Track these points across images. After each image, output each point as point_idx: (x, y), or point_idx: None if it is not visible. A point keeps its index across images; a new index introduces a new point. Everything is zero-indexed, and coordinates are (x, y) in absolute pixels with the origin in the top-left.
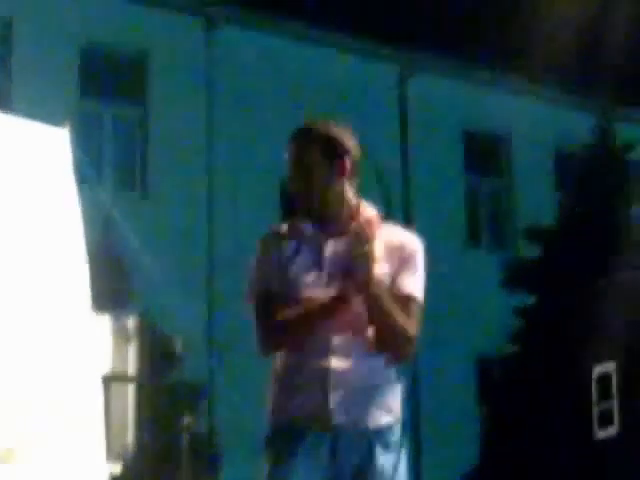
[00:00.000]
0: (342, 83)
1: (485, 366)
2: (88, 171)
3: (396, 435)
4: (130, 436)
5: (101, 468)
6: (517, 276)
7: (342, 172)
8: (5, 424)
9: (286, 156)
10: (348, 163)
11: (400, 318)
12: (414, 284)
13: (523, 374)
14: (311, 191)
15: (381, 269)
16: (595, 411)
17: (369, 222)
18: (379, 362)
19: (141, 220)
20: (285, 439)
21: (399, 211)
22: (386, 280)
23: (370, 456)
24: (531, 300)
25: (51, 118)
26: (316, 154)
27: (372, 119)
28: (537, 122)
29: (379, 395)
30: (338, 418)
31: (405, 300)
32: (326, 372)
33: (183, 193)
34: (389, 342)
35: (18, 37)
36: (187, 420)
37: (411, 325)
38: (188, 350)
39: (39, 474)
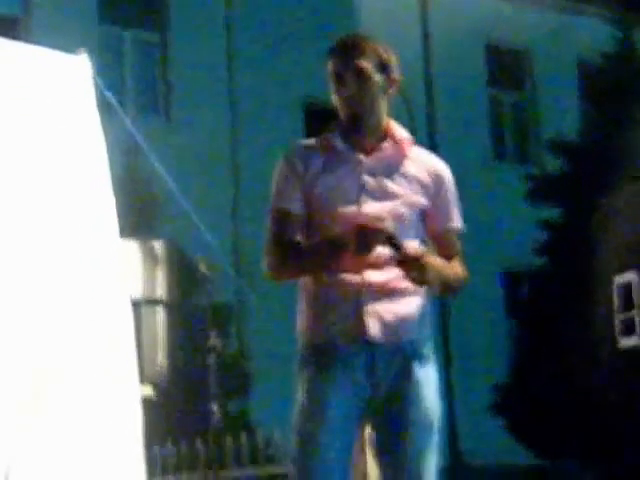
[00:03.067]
0: (362, 1)
1: (512, 280)
2: (110, 97)
3: (429, 348)
4: (160, 358)
5: (133, 390)
6: (542, 189)
7: (390, 87)
8: (35, 349)
9: (330, 66)
10: (395, 80)
11: (456, 269)
12: (458, 217)
13: (550, 287)
14: (363, 97)
15: (412, 197)
16: (617, 320)
17: (401, 142)
18: None
19: (165, 144)
20: (320, 356)
21: (423, 126)
22: (423, 206)
23: (407, 369)
24: (556, 213)
25: (71, 46)
26: (369, 64)
27: (394, 36)
28: (559, 34)
29: (413, 309)
30: (373, 332)
31: (454, 235)
32: (360, 287)
33: (206, 117)
34: (446, 292)
35: None
36: (215, 341)
37: (461, 264)
38: (216, 272)
39: (71, 397)
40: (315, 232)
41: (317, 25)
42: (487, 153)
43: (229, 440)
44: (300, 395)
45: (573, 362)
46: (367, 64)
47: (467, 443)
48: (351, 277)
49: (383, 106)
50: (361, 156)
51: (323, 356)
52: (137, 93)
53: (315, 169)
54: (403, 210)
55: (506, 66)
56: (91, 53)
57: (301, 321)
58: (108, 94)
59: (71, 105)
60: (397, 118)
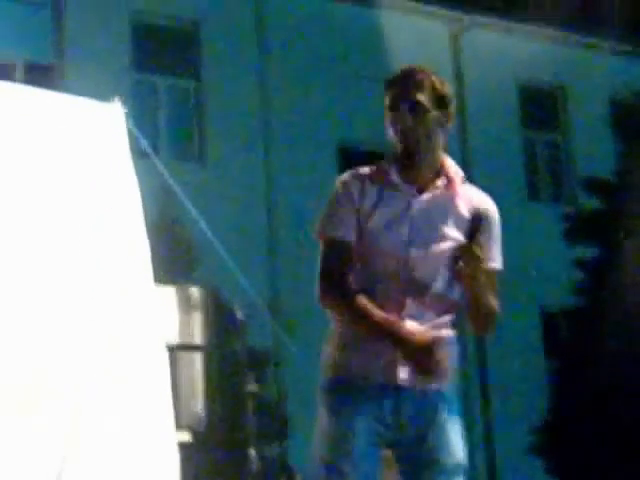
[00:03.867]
0: (394, 42)
1: (550, 319)
2: (145, 144)
3: (455, 397)
4: (198, 405)
5: (170, 437)
6: (578, 228)
7: (446, 122)
8: (70, 398)
9: (387, 99)
10: (451, 115)
11: (490, 298)
12: (499, 257)
13: (588, 326)
14: (419, 131)
15: (461, 239)
16: None
17: (453, 180)
18: (446, 324)
19: (200, 189)
20: (349, 389)
21: (458, 166)
22: (464, 242)
23: (434, 415)
24: (592, 251)
25: (105, 93)
26: (426, 97)
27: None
28: (592, 73)
29: (443, 356)
30: (403, 378)
31: (493, 274)
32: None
33: (240, 161)
34: (479, 321)
35: (69, 12)
36: (253, 386)
37: (497, 301)
38: (253, 317)
39: (107, 446)
40: (361, 265)
41: (351, 67)
42: (522, 193)
43: None
44: (324, 424)
45: (613, 402)
46: (423, 97)
47: None
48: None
49: (439, 141)
50: (415, 192)
51: (352, 389)
52: (171, 140)
53: (370, 201)
54: (449, 250)
55: (539, 106)
56: (125, 100)
57: (331, 352)
58: (144, 141)
59: (105, 153)
60: None
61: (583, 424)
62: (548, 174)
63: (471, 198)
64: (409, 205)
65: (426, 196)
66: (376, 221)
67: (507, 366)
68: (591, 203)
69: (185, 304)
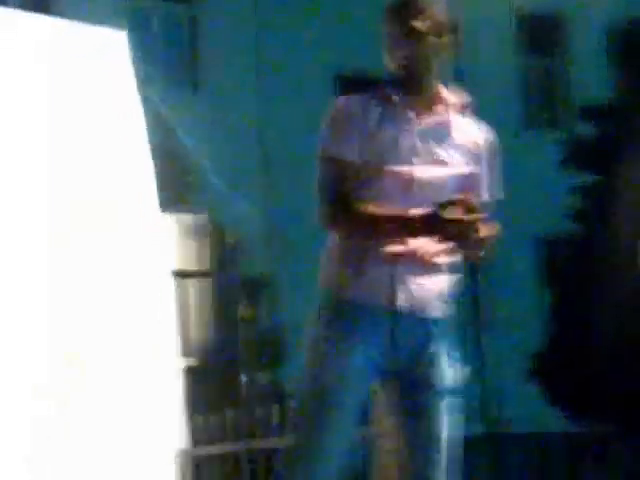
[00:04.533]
0: None
1: (546, 247)
2: (142, 70)
3: (449, 322)
4: (192, 332)
5: (173, 363)
6: (573, 155)
7: (445, 50)
8: (71, 326)
9: (388, 26)
10: (450, 43)
11: (491, 234)
12: (500, 186)
13: (583, 253)
14: (417, 58)
15: (462, 167)
16: None
17: (453, 107)
18: (447, 250)
19: (193, 116)
20: (347, 311)
21: None
22: (466, 174)
23: (427, 342)
24: (588, 178)
25: (100, 19)
26: (425, 25)
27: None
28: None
29: (444, 287)
30: (401, 304)
31: (494, 204)
32: (397, 257)
33: (234, 87)
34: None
35: None
36: (245, 311)
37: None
38: (247, 243)
39: (110, 369)
40: (364, 184)
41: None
42: (517, 120)
43: (259, 411)
44: (318, 342)
45: (611, 326)
46: (421, 24)
47: (504, 411)
48: (394, 243)
49: (437, 69)
50: (414, 115)
51: (352, 311)
52: (165, 65)
53: (373, 120)
54: (451, 178)
55: (535, 32)
56: (120, 26)
57: (331, 273)
58: (145, 68)
59: (112, 78)
60: None
61: (580, 350)
62: (544, 101)
63: (472, 128)
64: (409, 127)
65: (426, 120)
66: (381, 140)
67: (506, 294)
68: (587, 129)
69: (180, 231)
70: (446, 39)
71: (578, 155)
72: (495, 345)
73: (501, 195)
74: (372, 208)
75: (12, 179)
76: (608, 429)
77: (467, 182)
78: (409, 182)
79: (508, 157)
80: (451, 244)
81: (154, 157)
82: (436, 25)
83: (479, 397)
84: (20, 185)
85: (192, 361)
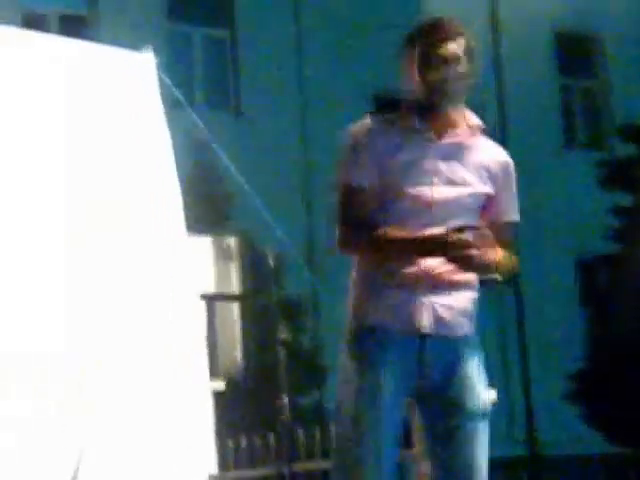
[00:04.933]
0: None
1: (587, 266)
2: (178, 94)
3: (476, 341)
4: (235, 353)
5: (204, 384)
6: (613, 175)
7: (472, 75)
8: (105, 344)
9: (419, 48)
10: (477, 70)
11: (507, 259)
12: (517, 208)
13: (624, 274)
14: (448, 83)
15: (480, 187)
16: None
17: (474, 129)
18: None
19: (235, 140)
20: (374, 337)
21: (494, 115)
22: (488, 195)
23: (456, 362)
24: (628, 198)
25: (139, 44)
26: (460, 49)
27: (462, 22)
28: (628, 19)
29: (466, 303)
30: (425, 325)
31: (511, 226)
32: (417, 277)
33: (276, 111)
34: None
35: None
36: (285, 334)
37: (513, 254)
38: (288, 266)
39: (139, 391)
40: (384, 207)
41: (385, 15)
42: (558, 140)
43: (301, 433)
44: (350, 374)
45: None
46: (457, 48)
47: (544, 434)
48: (409, 265)
49: (464, 94)
50: (434, 136)
51: (377, 337)
52: (207, 90)
53: (391, 143)
54: (469, 198)
55: (576, 53)
56: (160, 51)
57: (355, 301)
58: (176, 91)
59: (136, 101)
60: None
61: (618, 372)
62: (584, 121)
63: (490, 149)
64: (430, 149)
65: (446, 141)
66: (398, 162)
67: (544, 314)
68: (626, 150)
69: (222, 254)
70: (475, 64)
71: (617, 175)
72: (537, 366)
73: (517, 217)
74: (384, 230)
75: (33, 206)
76: None
77: (486, 202)
78: (428, 202)
79: (549, 177)
80: (457, 266)
81: (197, 180)
82: (468, 50)
83: (523, 418)
84: (40, 209)
85: (228, 384)
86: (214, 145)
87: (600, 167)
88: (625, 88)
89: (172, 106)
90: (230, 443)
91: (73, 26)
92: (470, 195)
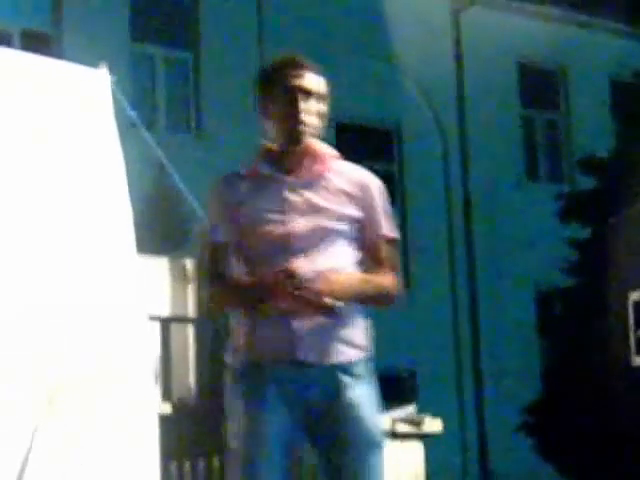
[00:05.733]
0: (393, 18)
1: (544, 298)
2: (133, 115)
3: (362, 368)
4: (189, 376)
5: (151, 407)
6: (572, 208)
7: (325, 115)
8: (50, 367)
9: (274, 86)
10: (326, 110)
11: (374, 284)
12: (392, 225)
13: (579, 306)
14: (309, 118)
15: (340, 210)
16: (632, 338)
17: (323, 157)
18: None
19: (196, 162)
20: (254, 374)
21: (456, 146)
22: (354, 218)
23: (339, 391)
24: (586, 231)
25: (102, 62)
26: (317, 86)
27: (426, 56)
28: (592, 52)
29: (345, 331)
30: (304, 355)
31: (392, 244)
32: (292, 309)
33: (236, 134)
34: (374, 304)
35: None
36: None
37: (393, 276)
38: None
39: (87, 410)
40: (248, 254)
41: (350, 45)
42: (520, 172)
43: None
44: (235, 411)
45: (606, 382)
46: (316, 84)
47: (498, 464)
48: (282, 298)
49: (320, 129)
50: (283, 175)
51: (257, 374)
52: (168, 110)
53: (242, 194)
54: (329, 223)
55: (539, 85)
56: (123, 71)
57: (236, 337)
58: (131, 113)
59: (89, 118)
60: (428, 137)
61: (575, 404)
62: (546, 153)
63: (349, 173)
64: (280, 187)
65: (298, 176)
66: (251, 209)
67: (501, 344)
68: (587, 183)
69: (178, 276)
70: (326, 102)
71: (577, 208)
72: (492, 397)
73: (392, 234)
74: (235, 280)
75: None
76: None
77: (358, 226)
78: (286, 236)
79: (509, 208)
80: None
81: (155, 201)
82: (323, 90)
83: (478, 449)
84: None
85: (177, 407)
86: (169, 167)
87: (560, 200)
88: (587, 121)
89: (131, 126)
90: (173, 467)
91: (36, 43)
92: (329, 219)
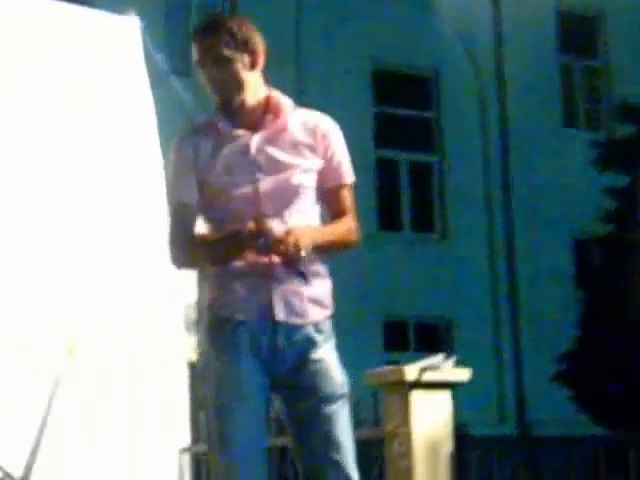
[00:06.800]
0: None
1: (581, 246)
2: (161, 59)
3: (328, 326)
4: None
5: (182, 357)
6: (609, 155)
7: (255, 62)
8: (71, 317)
9: (195, 54)
10: (260, 56)
11: (337, 232)
12: (349, 169)
13: (616, 255)
14: (226, 80)
15: (304, 165)
16: None
17: (283, 111)
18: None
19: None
20: (228, 330)
21: (494, 94)
22: (318, 168)
23: (309, 348)
24: (624, 179)
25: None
26: (225, 47)
27: (464, 4)
28: None
29: (319, 291)
30: (280, 314)
31: (346, 190)
32: (268, 266)
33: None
34: (338, 251)
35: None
36: None
37: (355, 221)
38: None
39: (111, 364)
40: (216, 215)
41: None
42: (557, 119)
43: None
44: (211, 364)
45: (629, 332)
46: (222, 48)
47: (535, 412)
48: (260, 257)
49: (253, 81)
50: (247, 133)
51: (229, 327)
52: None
53: (206, 153)
54: (296, 178)
55: (577, 32)
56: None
57: (205, 293)
58: (160, 57)
59: (120, 65)
60: (466, 83)
61: (610, 353)
62: (584, 100)
63: (305, 120)
64: (247, 147)
65: (261, 134)
66: (217, 169)
67: (539, 293)
68: (624, 130)
69: None
70: (254, 54)
71: (614, 156)
72: (529, 346)
73: (352, 178)
74: (203, 237)
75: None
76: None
77: (315, 175)
78: (256, 197)
79: (546, 155)
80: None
81: None
82: (240, 42)
83: (514, 398)
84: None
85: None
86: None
87: (597, 147)
88: (626, 68)
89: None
90: (202, 416)
91: None
92: (298, 175)
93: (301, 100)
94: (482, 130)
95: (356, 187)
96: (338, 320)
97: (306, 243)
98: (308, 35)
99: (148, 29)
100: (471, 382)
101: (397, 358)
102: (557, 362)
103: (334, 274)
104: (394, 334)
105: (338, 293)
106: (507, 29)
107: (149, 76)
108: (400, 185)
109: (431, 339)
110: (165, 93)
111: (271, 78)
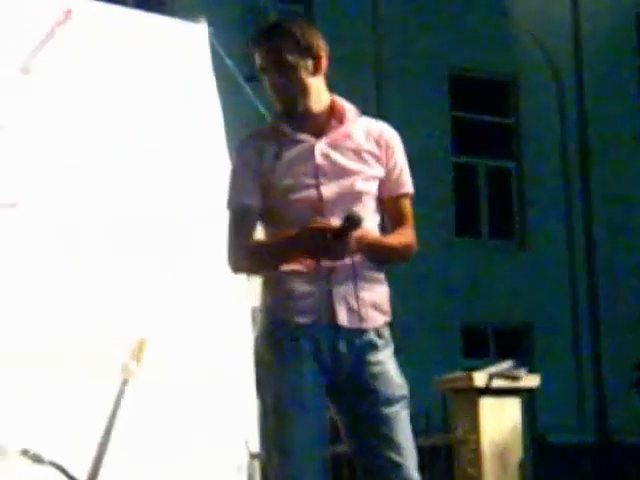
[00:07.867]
0: None
1: None
2: (230, 65)
3: (387, 332)
4: None
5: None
6: None
7: (318, 67)
8: (137, 319)
9: (257, 60)
10: (323, 61)
11: (398, 244)
12: (409, 180)
13: None
14: (289, 86)
15: (367, 172)
16: None
17: (346, 118)
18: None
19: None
20: (288, 332)
21: (573, 99)
22: (380, 176)
23: (369, 353)
24: None
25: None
26: (287, 52)
27: (542, 4)
28: None
29: (379, 296)
30: (341, 318)
31: (406, 200)
32: (329, 270)
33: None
34: (394, 263)
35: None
36: None
37: (413, 232)
38: None
39: (177, 363)
40: (276, 219)
41: None
42: (639, 124)
43: None
44: (270, 371)
45: None
46: (284, 54)
47: (615, 420)
48: (318, 260)
49: (316, 86)
50: (311, 138)
51: (290, 330)
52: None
53: (269, 156)
54: (359, 186)
55: None
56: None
57: (266, 297)
58: (229, 63)
59: (188, 71)
60: (545, 89)
61: None
62: None
63: (369, 128)
64: (311, 151)
65: (325, 139)
66: (280, 173)
67: (618, 297)
68: None
69: None
70: (318, 60)
71: None
72: (609, 351)
73: (408, 189)
74: (263, 240)
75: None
76: None
77: (380, 182)
78: (319, 202)
79: (627, 162)
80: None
81: None
82: (303, 47)
83: (594, 405)
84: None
85: None
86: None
87: None
88: None
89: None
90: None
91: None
92: (360, 182)
93: (380, 106)
94: (561, 136)
95: (433, 193)
96: (417, 327)
97: (369, 240)
98: (386, 40)
99: (222, 35)
100: (550, 389)
101: (477, 365)
102: (638, 369)
103: (412, 281)
104: (473, 341)
105: (417, 300)
106: (585, 33)
107: (223, 82)
108: (478, 191)
109: (511, 345)
110: (239, 99)
111: (350, 84)
